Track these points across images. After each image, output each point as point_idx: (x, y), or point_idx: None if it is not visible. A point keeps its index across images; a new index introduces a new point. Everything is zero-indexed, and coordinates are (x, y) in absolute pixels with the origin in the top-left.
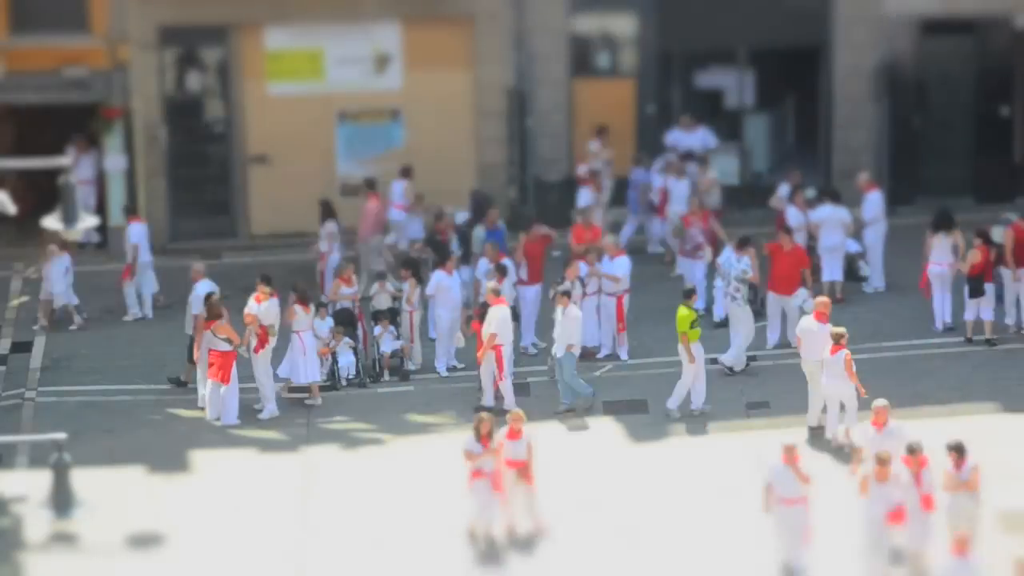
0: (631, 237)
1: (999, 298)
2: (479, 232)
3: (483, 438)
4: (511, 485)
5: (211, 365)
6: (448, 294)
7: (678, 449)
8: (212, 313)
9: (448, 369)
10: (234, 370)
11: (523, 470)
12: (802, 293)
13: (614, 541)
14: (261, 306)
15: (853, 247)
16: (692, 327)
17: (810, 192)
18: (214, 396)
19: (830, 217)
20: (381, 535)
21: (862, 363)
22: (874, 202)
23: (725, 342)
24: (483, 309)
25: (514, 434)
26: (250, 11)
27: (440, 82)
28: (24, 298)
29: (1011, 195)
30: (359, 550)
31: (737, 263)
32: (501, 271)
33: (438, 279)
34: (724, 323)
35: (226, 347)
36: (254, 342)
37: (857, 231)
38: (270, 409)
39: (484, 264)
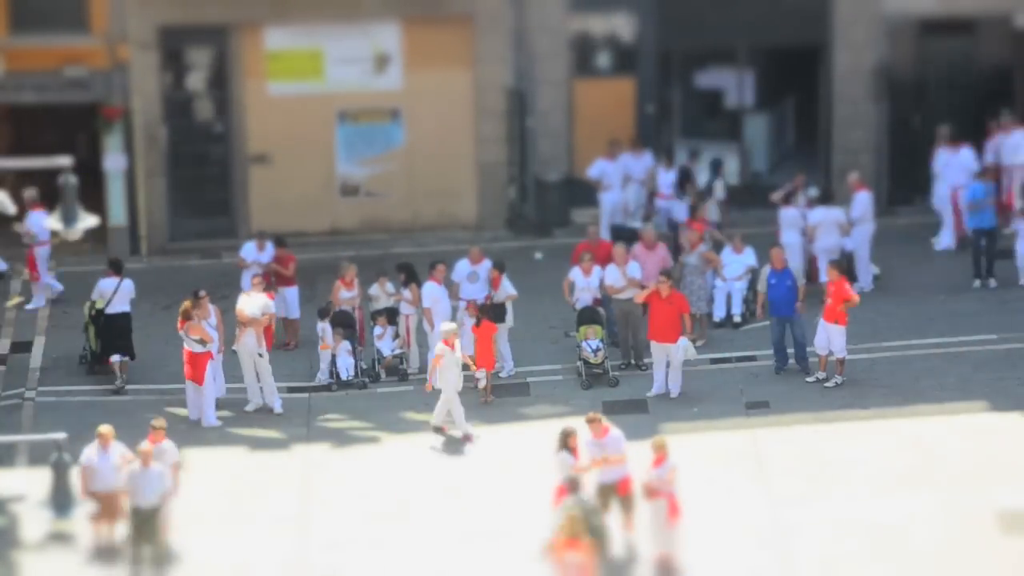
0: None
1: None
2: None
3: None
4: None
5: (186, 364)
6: (438, 305)
7: (678, 449)
8: (185, 314)
9: None
10: (210, 370)
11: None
12: (683, 341)
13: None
14: (275, 300)
15: (850, 246)
16: None
17: (812, 191)
18: (193, 397)
19: (825, 218)
20: (380, 534)
21: (862, 363)
22: (862, 202)
23: (725, 341)
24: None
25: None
26: (250, 11)
27: (440, 82)
28: (22, 298)
29: None
30: (358, 549)
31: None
32: (500, 269)
33: (429, 290)
34: (723, 323)
35: (199, 348)
36: (263, 339)
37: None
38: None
39: (465, 266)
